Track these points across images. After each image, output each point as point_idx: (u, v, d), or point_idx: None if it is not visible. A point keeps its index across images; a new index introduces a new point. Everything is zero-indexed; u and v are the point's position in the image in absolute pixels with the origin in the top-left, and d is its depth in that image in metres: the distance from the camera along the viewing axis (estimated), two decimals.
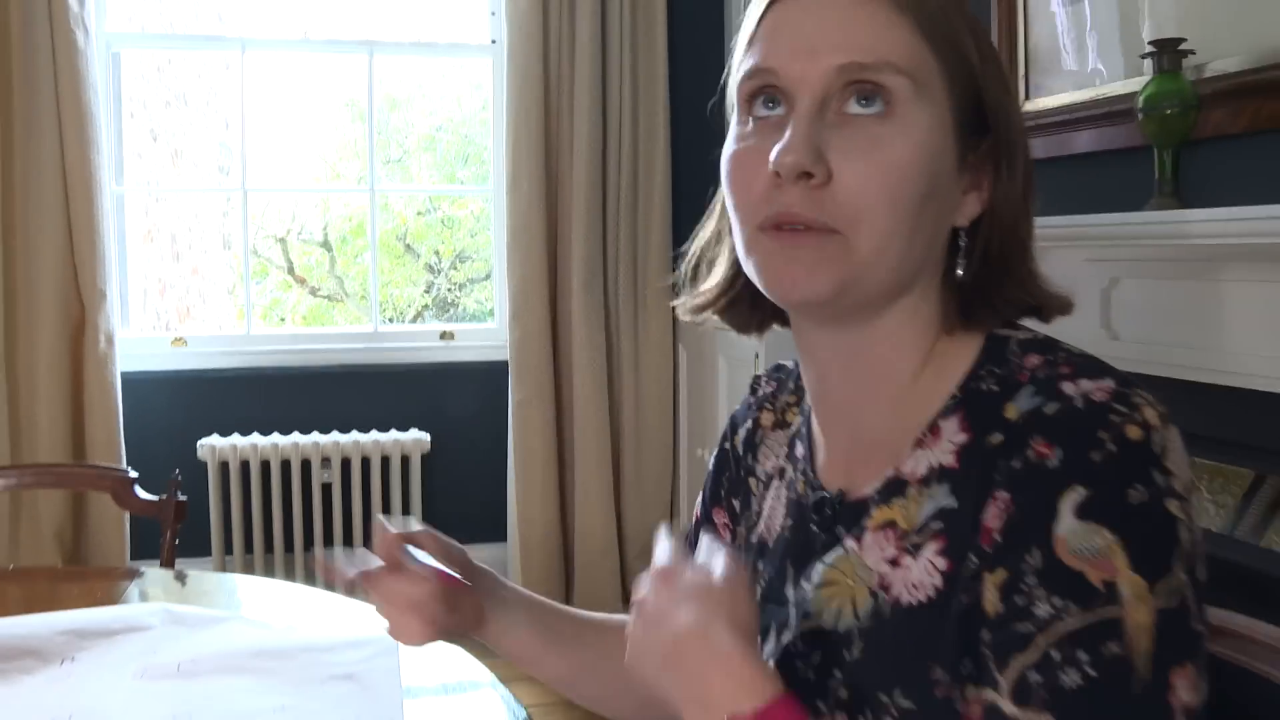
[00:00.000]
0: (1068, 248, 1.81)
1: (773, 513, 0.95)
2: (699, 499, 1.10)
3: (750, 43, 0.81)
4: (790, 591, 0.88)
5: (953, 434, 0.78)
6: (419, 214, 9.01)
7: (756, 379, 1.06)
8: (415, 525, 0.98)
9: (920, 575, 0.76)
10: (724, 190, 0.82)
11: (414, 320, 8.34)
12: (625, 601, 1.07)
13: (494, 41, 3.99)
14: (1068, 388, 0.72)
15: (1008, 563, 0.70)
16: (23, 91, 3.37)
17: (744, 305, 0.91)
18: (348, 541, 3.73)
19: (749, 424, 1.03)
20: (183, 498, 1.81)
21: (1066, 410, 0.71)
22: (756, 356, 3.06)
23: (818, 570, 0.85)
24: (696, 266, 0.93)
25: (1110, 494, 0.68)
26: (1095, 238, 1.70)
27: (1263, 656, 0.94)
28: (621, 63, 3.76)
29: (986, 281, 0.82)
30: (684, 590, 0.77)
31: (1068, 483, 0.69)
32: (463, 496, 3.96)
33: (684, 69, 3.88)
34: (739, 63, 0.82)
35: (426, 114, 9.22)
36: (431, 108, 9.18)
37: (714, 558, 0.80)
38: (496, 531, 3.93)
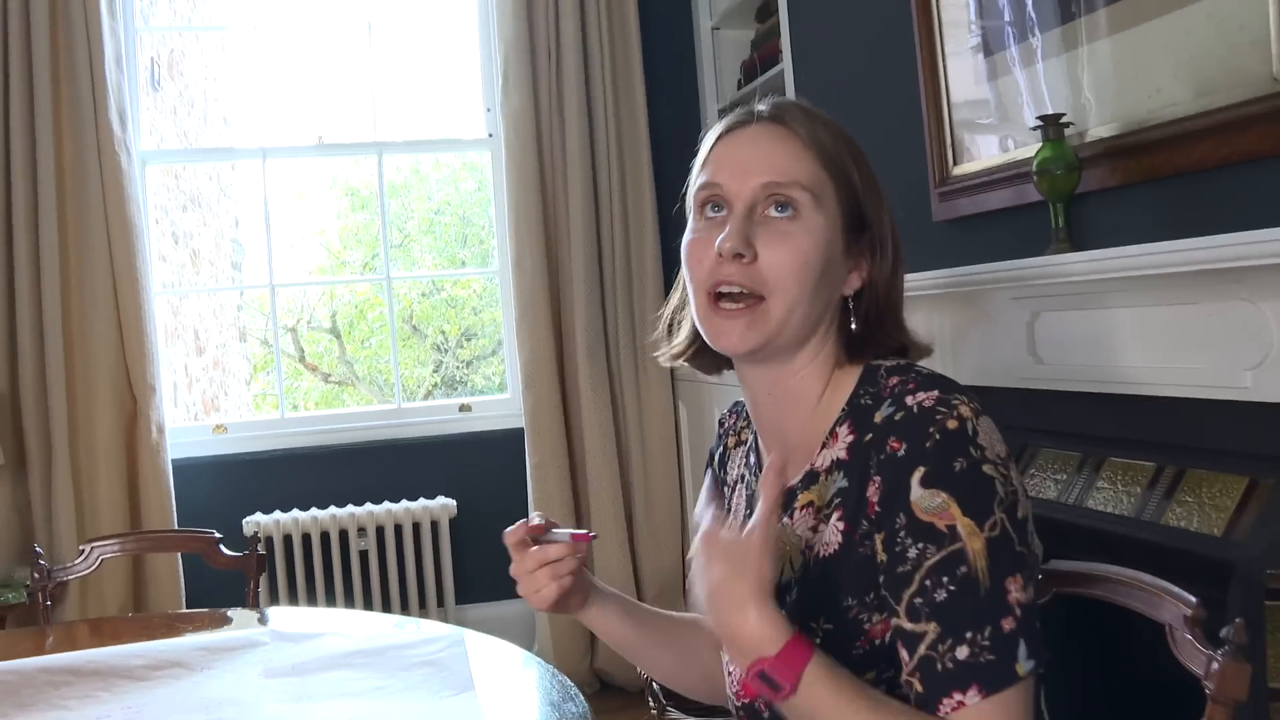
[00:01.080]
0: (995, 289, 2.14)
1: (738, 507, 1.31)
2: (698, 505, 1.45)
3: (704, 165, 1.20)
4: None
5: (844, 436, 1.14)
6: (423, 295, 9.33)
7: (721, 416, 1.43)
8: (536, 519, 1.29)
9: (829, 536, 1.11)
10: (683, 267, 1.19)
11: (425, 399, 8.63)
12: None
13: (490, 135, 4.36)
14: (909, 400, 1.07)
15: (884, 525, 1.05)
16: (75, 209, 3.73)
17: (706, 353, 1.26)
18: (386, 604, 4.03)
19: (720, 448, 1.39)
20: (262, 552, 2.14)
21: (907, 415, 1.06)
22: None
23: None
24: (670, 326, 1.29)
25: (940, 467, 1.03)
26: (1013, 280, 2.03)
27: (1138, 597, 1.27)
28: (609, 151, 4.12)
29: (867, 332, 1.19)
30: (718, 551, 1.04)
31: (913, 465, 1.04)
32: (490, 556, 4.20)
33: (666, 155, 4.25)
34: (695, 179, 1.20)
35: (424, 199, 9.58)
36: (429, 193, 9.53)
37: (740, 522, 1.12)
38: None
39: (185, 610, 2.09)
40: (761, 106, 1.19)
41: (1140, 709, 1.80)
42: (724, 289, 1.13)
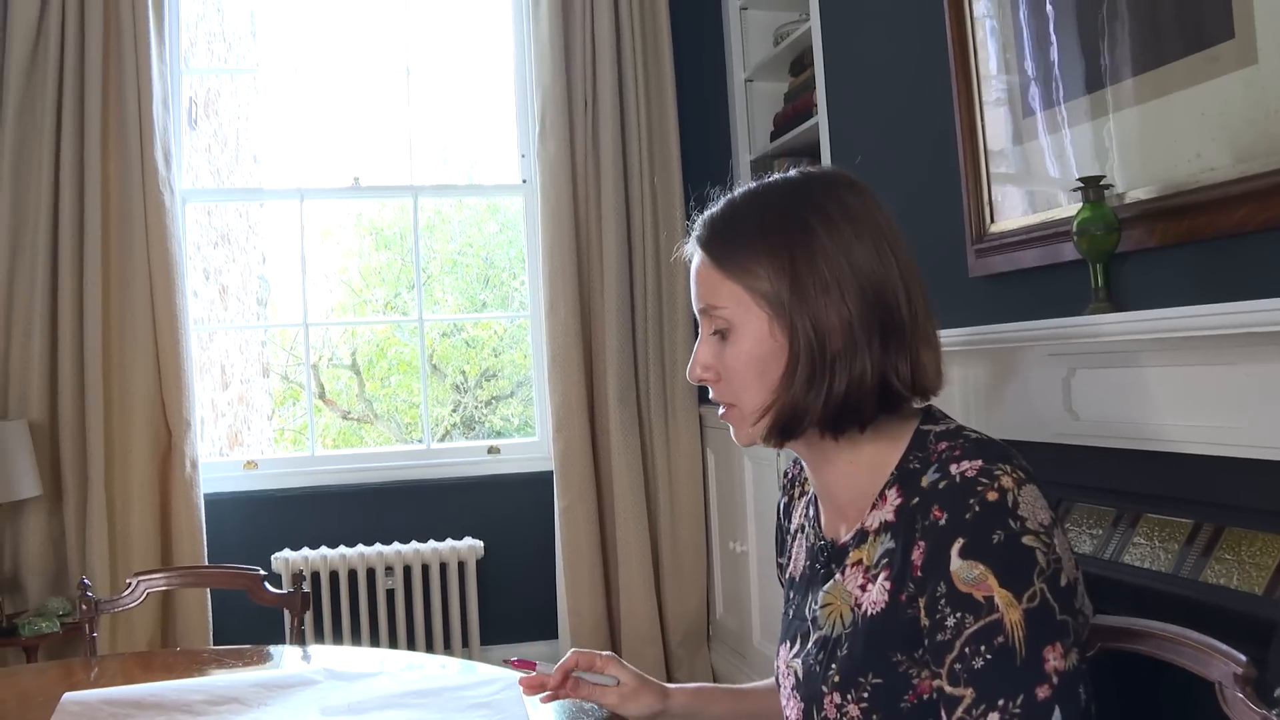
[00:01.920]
0: (1030, 346, 2.18)
1: (798, 557, 1.34)
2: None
3: None
4: (808, 610, 1.27)
5: (893, 499, 1.17)
6: (443, 335, 9.39)
7: (787, 468, 1.49)
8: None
9: (877, 595, 1.15)
10: None
11: (442, 439, 8.66)
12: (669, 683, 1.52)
13: (525, 181, 4.43)
14: (952, 468, 1.10)
15: (926, 591, 1.08)
16: (119, 244, 3.82)
17: None
18: (410, 642, 4.05)
19: (785, 499, 1.45)
20: (306, 591, 2.17)
21: (950, 485, 1.09)
22: (778, 455, 3.41)
23: (820, 595, 1.24)
24: None
25: (979, 539, 1.06)
26: (1050, 338, 2.06)
27: (1186, 654, 1.29)
28: (643, 197, 4.19)
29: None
30: None
31: (953, 536, 1.07)
32: (516, 597, 4.28)
33: (700, 202, 4.31)
34: None
35: (447, 240, 9.65)
36: (452, 234, 9.61)
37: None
38: (548, 628, 4.24)
39: (228, 646, 2.12)
40: (691, 229, 1.29)
41: None
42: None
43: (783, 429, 1.19)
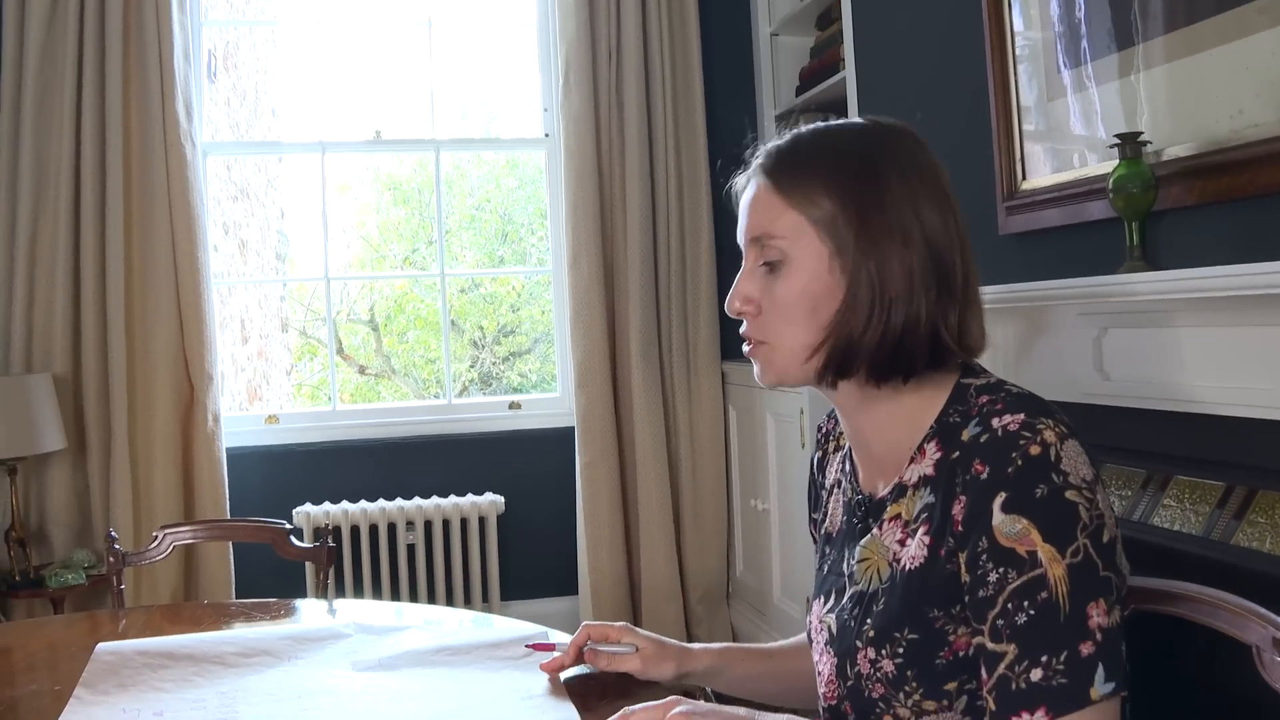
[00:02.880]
0: (1062, 305, 2.15)
1: (834, 513, 1.33)
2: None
3: None
4: (844, 566, 1.26)
5: (932, 453, 1.16)
6: (461, 291, 9.38)
7: (820, 422, 1.47)
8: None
9: (915, 550, 1.13)
10: None
11: (461, 394, 8.68)
12: (689, 641, 1.51)
13: (547, 135, 4.40)
14: (994, 421, 1.09)
15: (967, 546, 1.07)
16: (140, 198, 3.81)
17: None
18: (431, 597, 4.08)
19: (819, 454, 1.43)
20: (333, 544, 2.18)
21: (992, 438, 1.08)
22: (801, 412, 3.40)
23: (857, 550, 1.23)
24: None
25: (1022, 493, 1.04)
26: (1083, 296, 2.04)
27: (1222, 617, 1.28)
28: (667, 152, 4.16)
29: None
30: None
31: (995, 490, 1.05)
32: (536, 553, 4.30)
33: (723, 156, 4.28)
34: None
35: (465, 195, 9.62)
36: (470, 188, 9.58)
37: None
38: (569, 584, 4.26)
39: (253, 599, 2.13)
40: (748, 154, 1.25)
41: None
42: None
43: (838, 368, 1.17)
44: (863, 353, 1.15)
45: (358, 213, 9.44)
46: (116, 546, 2.18)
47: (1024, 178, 2.45)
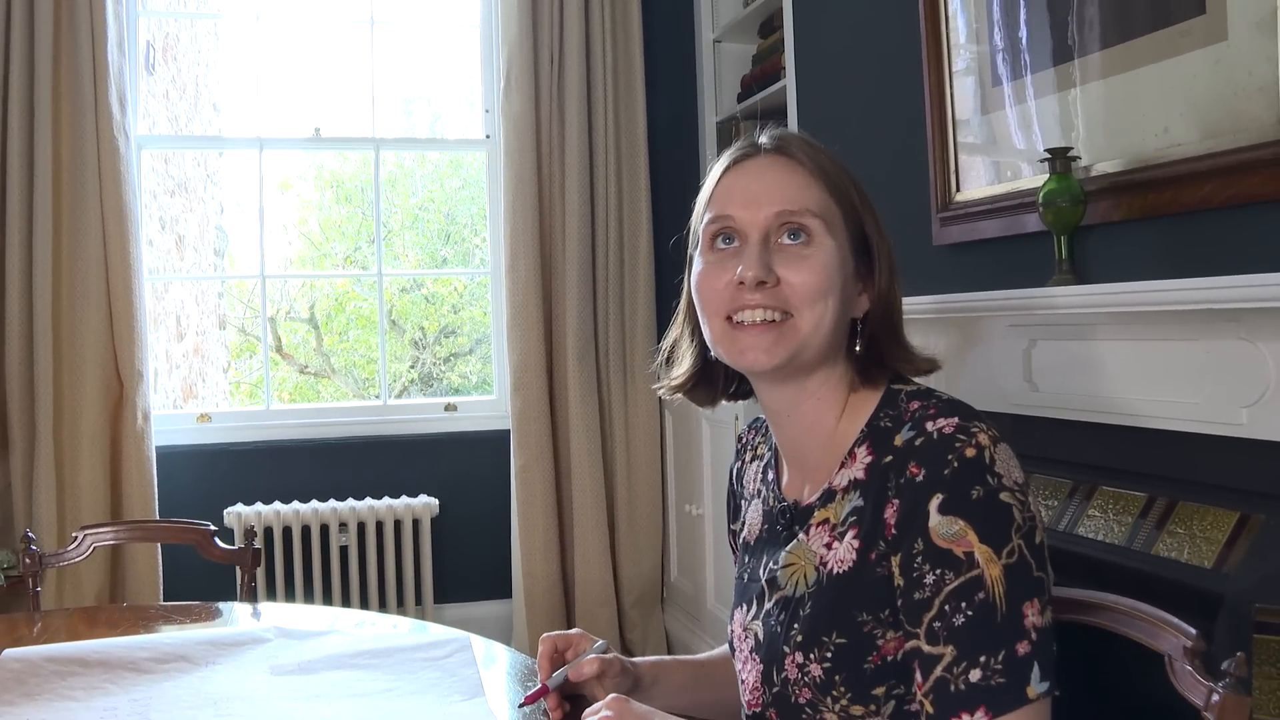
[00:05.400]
0: (993, 316, 2.17)
1: (752, 522, 1.33)
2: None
3: (711, 199, 1.24)
4: (762, 573, 1.26)
5: (863, 457, 1.17)
6: (402, 291, 9.30)
7: (741, 432, 1.47)
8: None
9: (844, 553, 1.14)
10: (695, 298, 1.24)
11: (399, 395, 8.61)
12: (623, 648, 1.45)
13: (488, 136, 4.37)
14: (929, 425, 1.10)
15: (902, 549, 1.08)
16: (70, 190, 3.72)
17: (704, 386, 1.32)
18: (364, 600, 4.03)
19: (737, 464, 1.43)
20: (258, 547, 2.14)
21: (927, 441, 1.09)
22: (736, 418, 3.41)
23: (781, 556, 1.23)
24: (669, 359, 1.34)
25: (958, 495, 1.05)
26: (1013, 308, 2.06)
27: (1138, 626, 1.30)
28: (607, 156, 4.15)
29: (875, 352, 1.23)
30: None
31: (931, 491, 1.06)
32: (470, 556, 4.27)
33: (662, 164, 4.28)
34: (703, 213, 1.24)
35: (408, 194, 9.55)
36: (413, 188, 9.50)
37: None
38: (502, 588, 4.23)
39: (177, 603, 2.09)
40: (764, 139, 1.24)
41: None
42: (744, 316, 1.18)
43: (814, 360, 1.20)
44: (887, 337, 1.22)
45: (300, 210, 9.33)
46: (34, 548, 2.12)
47: (958, 189, 2.47)
